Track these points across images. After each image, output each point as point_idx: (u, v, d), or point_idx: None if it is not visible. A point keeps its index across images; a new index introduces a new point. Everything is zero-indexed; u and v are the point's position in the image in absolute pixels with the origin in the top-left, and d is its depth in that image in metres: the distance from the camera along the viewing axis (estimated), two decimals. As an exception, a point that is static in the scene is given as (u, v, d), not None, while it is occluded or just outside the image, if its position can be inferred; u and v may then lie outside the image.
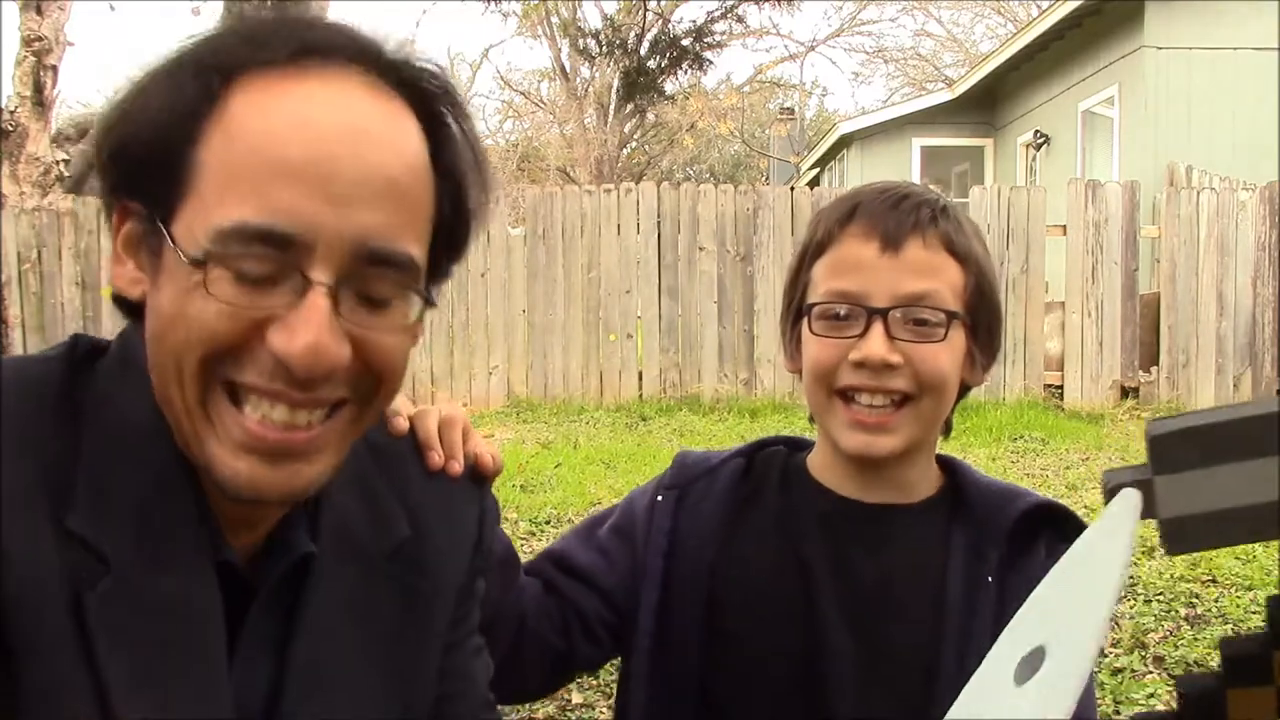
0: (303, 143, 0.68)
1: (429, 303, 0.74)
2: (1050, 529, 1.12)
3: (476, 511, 0.94)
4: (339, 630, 0.81)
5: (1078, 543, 0.63)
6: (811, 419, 1.18)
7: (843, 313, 1.06)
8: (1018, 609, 1.00)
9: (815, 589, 1.10)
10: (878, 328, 1.04)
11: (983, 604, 1.07)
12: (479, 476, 0.96)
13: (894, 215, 1.06)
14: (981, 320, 1.09)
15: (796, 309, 1.13)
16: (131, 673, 0.68)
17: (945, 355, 1.05)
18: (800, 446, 1.24)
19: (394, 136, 0.72)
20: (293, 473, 0.72)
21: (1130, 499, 0.60)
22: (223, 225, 0.67)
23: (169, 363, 0.70)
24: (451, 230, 0.78)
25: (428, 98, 0.75)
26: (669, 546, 1.15)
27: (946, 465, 1.18)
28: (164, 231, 0.70)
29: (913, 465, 1.13)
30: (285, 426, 0.71)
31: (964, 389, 1.13)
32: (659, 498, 1.18)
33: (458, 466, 0.93)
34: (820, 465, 1.17)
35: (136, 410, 0.73)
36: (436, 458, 0.92)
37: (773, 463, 1.21)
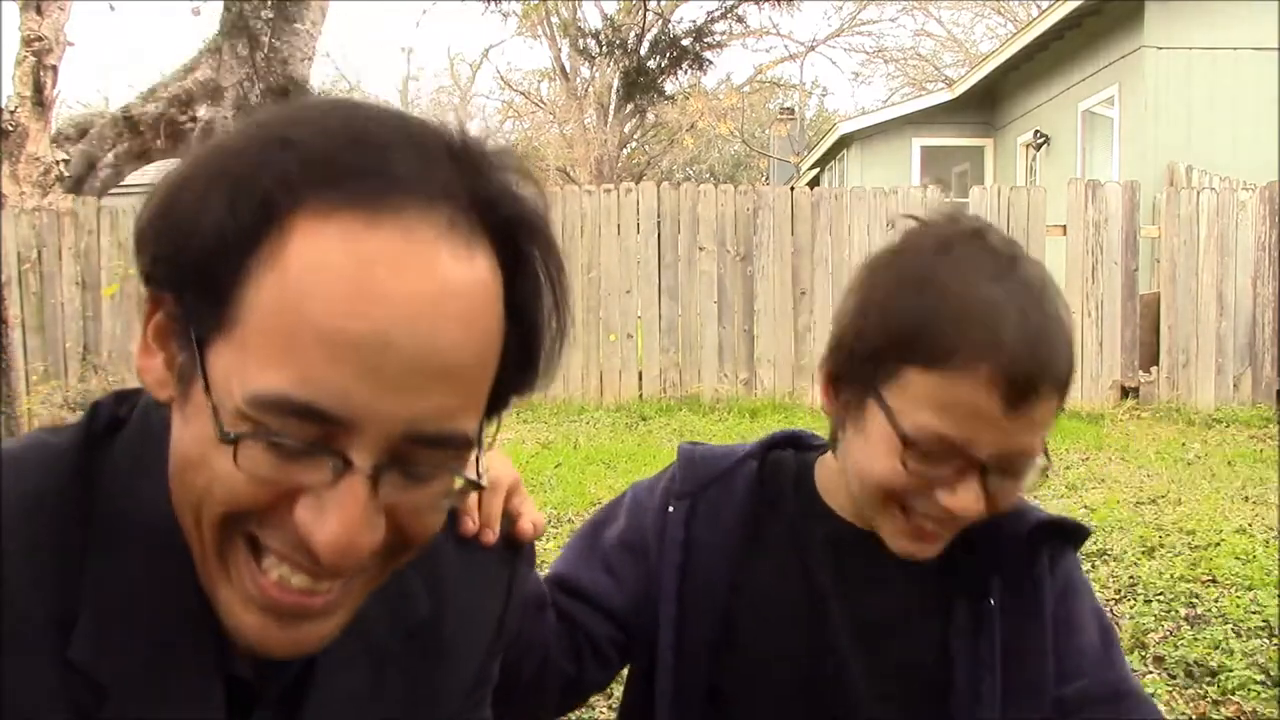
0: (364, 318, 0.59)
1: (476, 483, 0.67)
2: (1056, 539, 1.12)
3: (505, 584, 0.88)
4: None
5: None
6: (831, 443, 1.13)
7: (938, 453, 0.97)
8: (1023, 623, 1.04)
9: (826, 612, 1.10)
10: (973, 480, 0.97)
11: (988, 625, 1.07)
12: (515, 542, 0.90)
13: (1031, 364, 0.94)
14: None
15: (868, 387, 1.01)
16: None
17: (1017, 490, 1.01)
18: (806, 445, 1.22)
19: (468, 306, 0.63)
20: (304, 633, 0.67)
21: None
22: (262, 393, 0.60)
23: (188, 500, 0.65)
24: (518, 370, 0.70)
25: (516, 236, 0.67)
26: (684, 559, 1.13)
27: None
28: (199, 364, 0.62)
29: None
30: (303, 592, 0.65)
31: None
32: (670, 508, 1.16)
33: (491, 536, 0.87)
34: (831, 489, 1.15)
35: (149, 512, 0.68)
36: (470, 524, 0.86)
37: (784, 469, 1.19)
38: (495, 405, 0.70)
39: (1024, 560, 1.10)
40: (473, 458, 0.67)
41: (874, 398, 1.00)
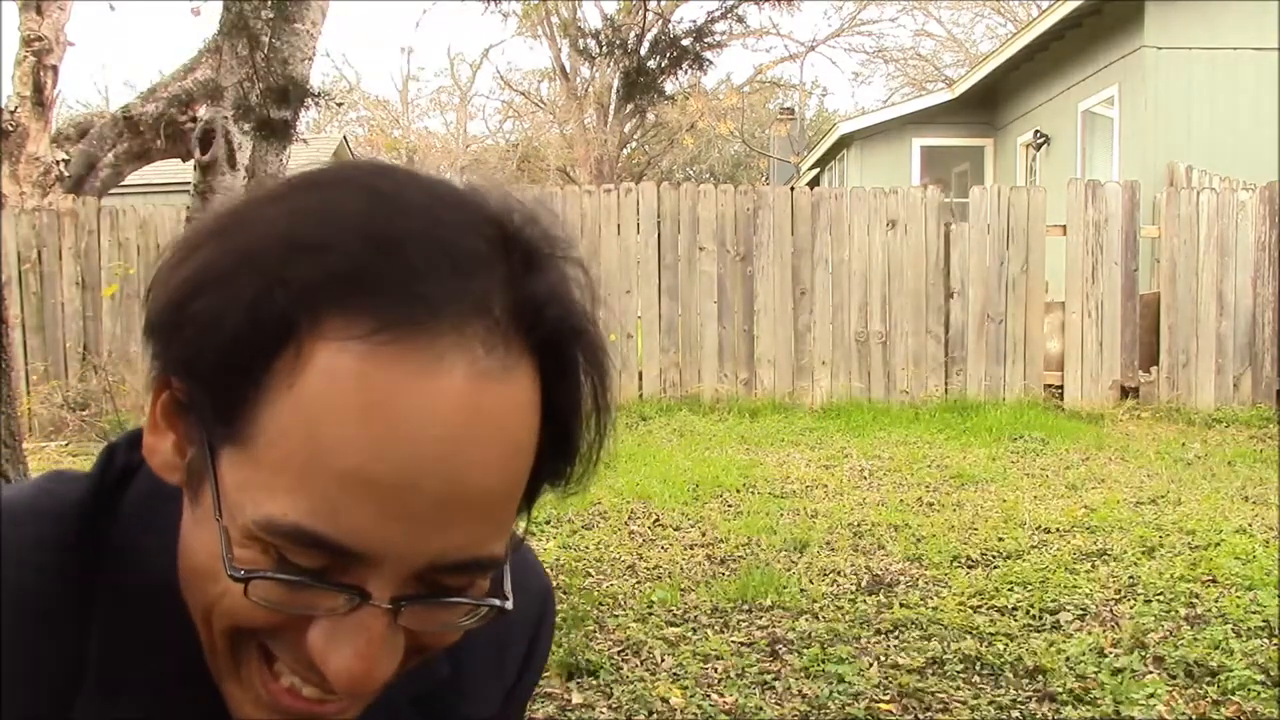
0: (386, 459, 0.54)
1: (503, 608, 0.62)
2: None
3: (528, 639, 0.83)
4: None
5: None
6: None
7: None
8: None
9: None
10: None
11: None
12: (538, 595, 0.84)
13: None
14: None
15: None
16: None
17: None
18: None
19: (501, 431, 0.58)
20: None
21: None
22: (276, 520, 0.55)
23: (198, 602, 0.61)
24: (553, 473, 0.66)
25: (560, 344, 0.62)
26: None
27: None
28: (211, 470, 0.58)
29: None
30: (314, 700, 0.61)
31: None
32: None
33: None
34: None
35: (156, 573, 0.64)
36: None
37: None
38: (526, 502, 0.65)
39: None
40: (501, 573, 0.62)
41: None
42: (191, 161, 6.40)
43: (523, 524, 0.65)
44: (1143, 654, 3.33)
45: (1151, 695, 3.02)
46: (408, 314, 0.55)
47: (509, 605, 0.61)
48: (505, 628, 0.72)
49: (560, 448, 0.64)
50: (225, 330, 0.56)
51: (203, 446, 0.58)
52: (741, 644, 3.49)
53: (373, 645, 0.57)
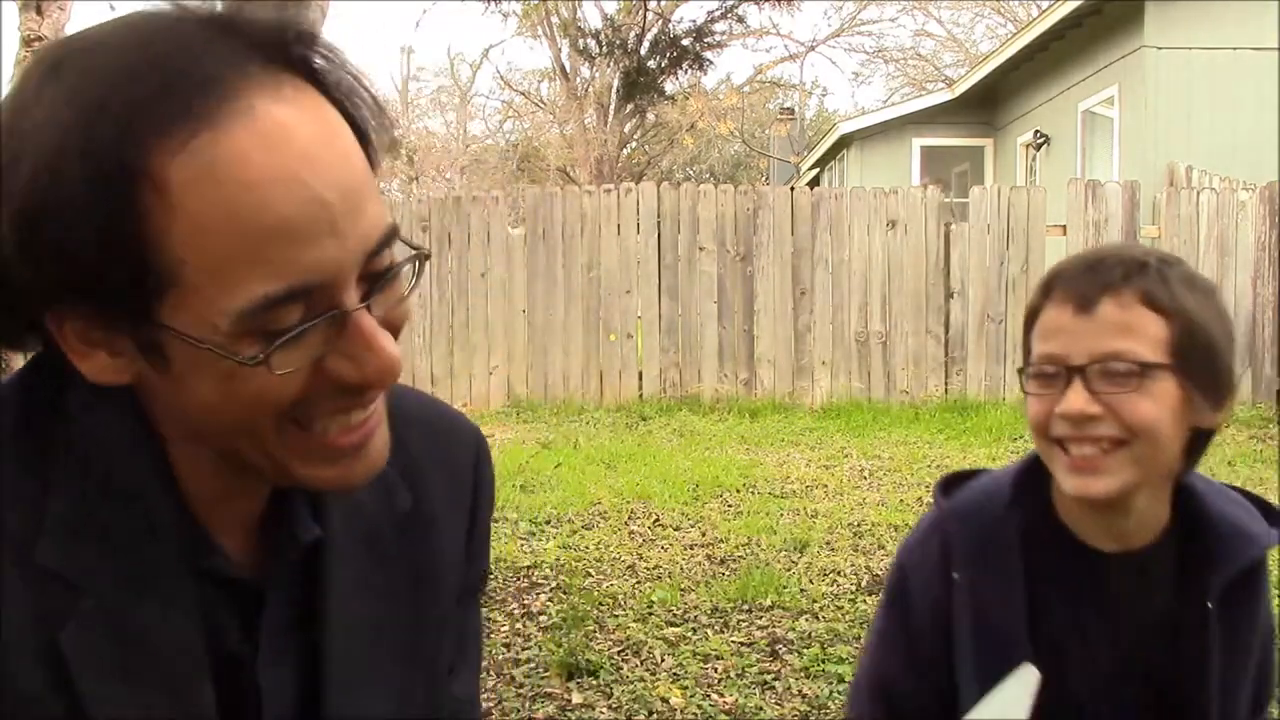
0: (290, 201, 0.62)
1: (423, 252, 0.73)
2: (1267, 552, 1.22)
3: (472, 455, 0.93)
4: (364, 619, 0.80)
5: (983, 708, 1.04)
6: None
7: (1050, 372, 1.15)
8: (1245, 637, 1.19)
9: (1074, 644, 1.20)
10: (1076, 384, 1.12)
11: (1212, 636, 1.18)
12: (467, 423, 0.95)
13: (1087, 278, 1.14)
14: (1196, 365, 1.14)
15: (1027, 333, 1.22)
16: (114, 705, 0.68)
17: (1145, 404, 1.12)
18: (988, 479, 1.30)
19: (329, 127, 0.66)
20: (373, 452, 0.73)
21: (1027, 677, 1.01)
22: (243, 307, 0.63)
23: (236, 431, 0.68)
24: (376, 138, 0.74)
25: (313, 64, 0.69)
26: (975, 621, 1.21)
27: (1185, 495, 1.24)
28: (163, 327, 0.64)
29: (1139, 509, 1.19)
30: (359, 423, 0.71)
31: (1200, 433, 1.19)
32: (955, 576, 1.23)
33: None
34: (1064, 509, 1.24)
35: (116, 431, 0.71)
36: None
37: (1036, 505, 1.25)
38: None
39: (1246, 580, 1.21)
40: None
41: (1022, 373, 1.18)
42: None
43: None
44: (1143, 654, 3.33)
45: (1151, 695, 3.02)
46: (205, 99, 0.62)
47: (427, 250, 0.73)
48: (451, 462, 0.89)
49: (372, 118, 0.72)
50: (81, 217, 0.61)
51: (139, 328, 0.65)
52: (741, 644, 3.49)
53: (378, 334, 0.67)
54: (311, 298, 0.64)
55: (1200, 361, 1.14)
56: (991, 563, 1.22)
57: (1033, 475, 1.23)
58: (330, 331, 0.66)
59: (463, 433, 0.92)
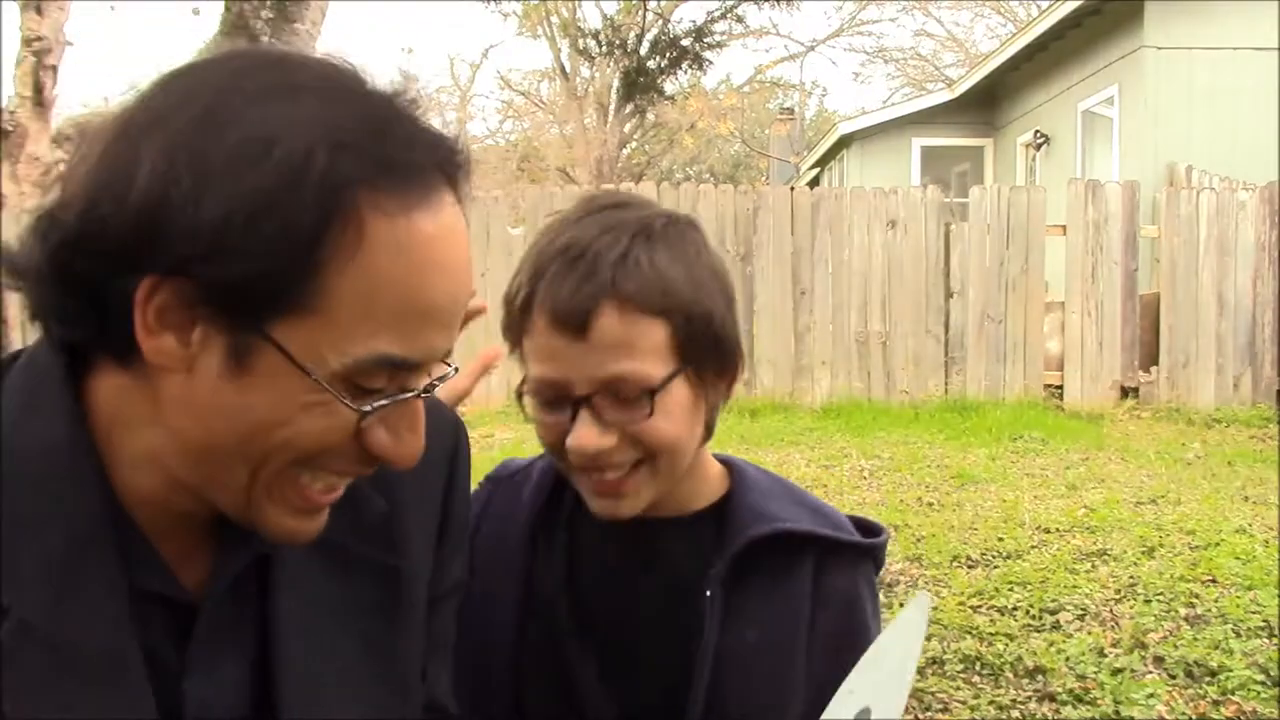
0: (439, 288, 0.71)
1: (454, 367, 0.80)
2: (830, 555, 1.12)
3: (450, 446, 0.93)
4: (322, 628, 0.81)
5: (888, 632, 1.01)
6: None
7: (551, 397, 1.03)
8: (743, 628, 1.08)
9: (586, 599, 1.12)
10: (584, 416, 1.01)
11: (711, 615, 1.07)
12: (451, 418, 0.96)
13: (573, 288, 0.99)
14: (702, 351, 1.06)
15: (515, 347, 1.08)
16: (41, 714, 0.68)
17: (662, 423, 1.02)
18: None
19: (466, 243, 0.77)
20: (323, 519, 0.78)
21: (923, 601, 1.00)
22: (362, 356, 0.69)
23: (250, 453, 0.71)
24: None
25: (460, 175, 0.77)
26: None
27: (729, 471, 1.19)
28: (268, 339, 0.68)
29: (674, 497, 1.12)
30: (334, 489, 0.76)
31: (713, 411, 1.13)
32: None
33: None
34: None
35: (46, 445, 0.72)
36: None
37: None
38: None
39: (758, 562, 1.09)
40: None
41: (521, 385, 1.06)
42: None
43: None
44: (1142, 654, 3.33)
45: (1151, 695, 3.02)
46: (422, 179, 0.71)
47: (454, 369, 0.79)
48: (425, 463, 0.84)
49: None
50: (266, 227, 0.65)
51: (242, 328, 0.68)
52: (741, 644, 3.48)
53: (422, 421, 0.75)
54: (405, 372, 0.72)
55: (705, 346, 1.06)
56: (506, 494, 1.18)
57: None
58: (395, 405, 0.73)
59: (441, 421, 0.91)
